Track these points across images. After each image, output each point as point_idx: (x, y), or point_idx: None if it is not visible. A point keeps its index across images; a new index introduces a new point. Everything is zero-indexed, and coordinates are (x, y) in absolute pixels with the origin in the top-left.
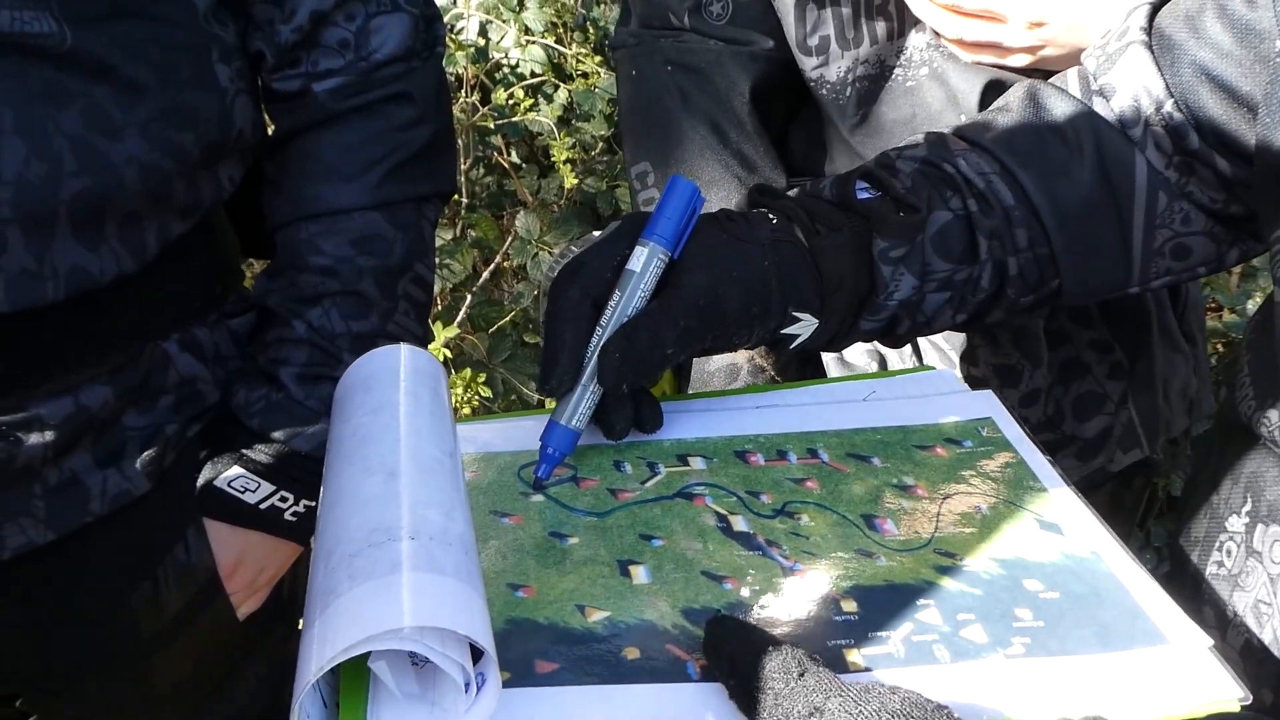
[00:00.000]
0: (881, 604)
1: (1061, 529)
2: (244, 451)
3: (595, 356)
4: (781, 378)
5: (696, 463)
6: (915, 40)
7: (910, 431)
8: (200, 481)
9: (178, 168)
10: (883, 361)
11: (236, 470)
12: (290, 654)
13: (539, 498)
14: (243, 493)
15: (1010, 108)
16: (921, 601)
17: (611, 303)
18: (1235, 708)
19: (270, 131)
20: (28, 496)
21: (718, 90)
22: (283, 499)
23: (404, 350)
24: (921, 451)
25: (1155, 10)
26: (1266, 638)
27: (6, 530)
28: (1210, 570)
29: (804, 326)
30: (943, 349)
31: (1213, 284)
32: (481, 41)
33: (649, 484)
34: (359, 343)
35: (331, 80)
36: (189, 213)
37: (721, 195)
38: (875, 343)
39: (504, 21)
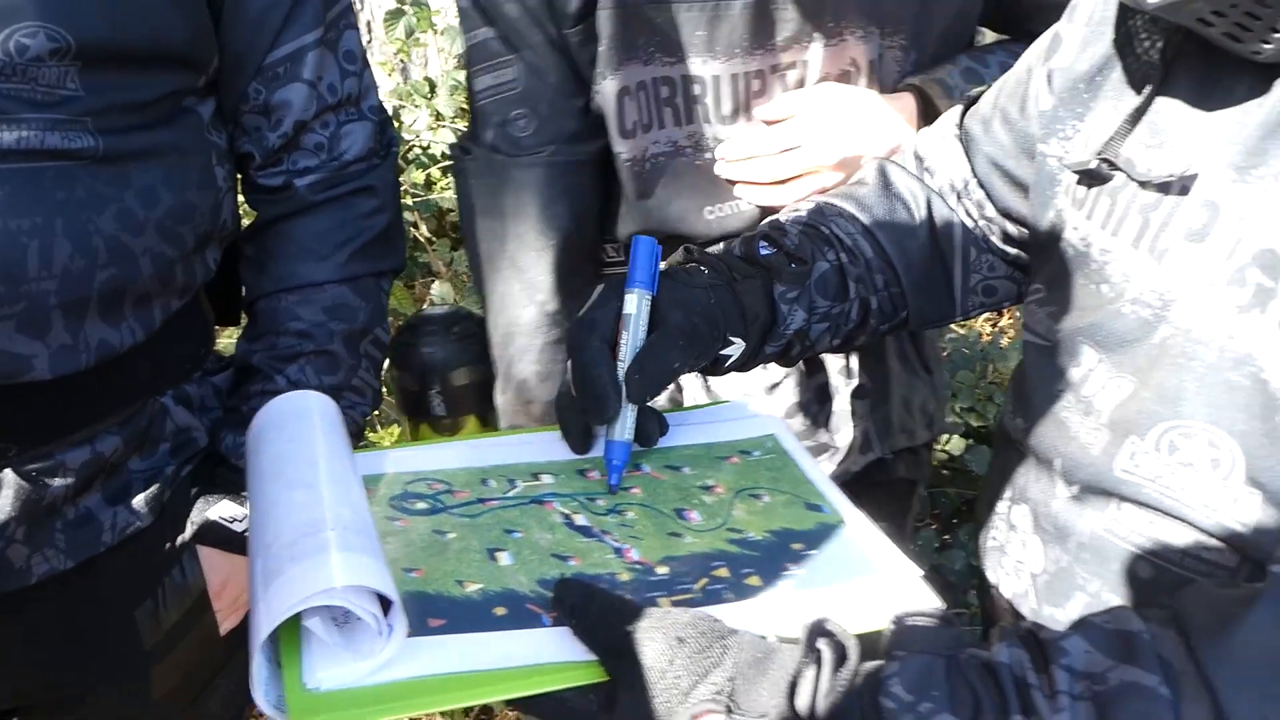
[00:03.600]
0: (686, 567)
1: (822, 508)
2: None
3: (623, 382)
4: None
5: (546, 478)
6: (705, 129)
7: (713, 447)
8: (196, 516)
9: (179, 255)
10: (709, 391)
11: (226, 504)
12: None
13: (423, 505)
14: (231, 523)
15: (866, 181)
16: (715, 564)
17: (621, 341)
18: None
19: (250, 220)
20: (51, 531)
21: (504, 208)
22: None
23: (306, 395)
24: (721, 461)
25: (965, 110)
26: (1023, 587)
27: (34, 560)
28: (988, 545)
29: (735, 349)
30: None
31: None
32: (397, 124)
33: (510, 494)
34: (330, 393)
35: (309, 176)
36: (185, 291)
37: (508, 310)
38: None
39: (416, 106)
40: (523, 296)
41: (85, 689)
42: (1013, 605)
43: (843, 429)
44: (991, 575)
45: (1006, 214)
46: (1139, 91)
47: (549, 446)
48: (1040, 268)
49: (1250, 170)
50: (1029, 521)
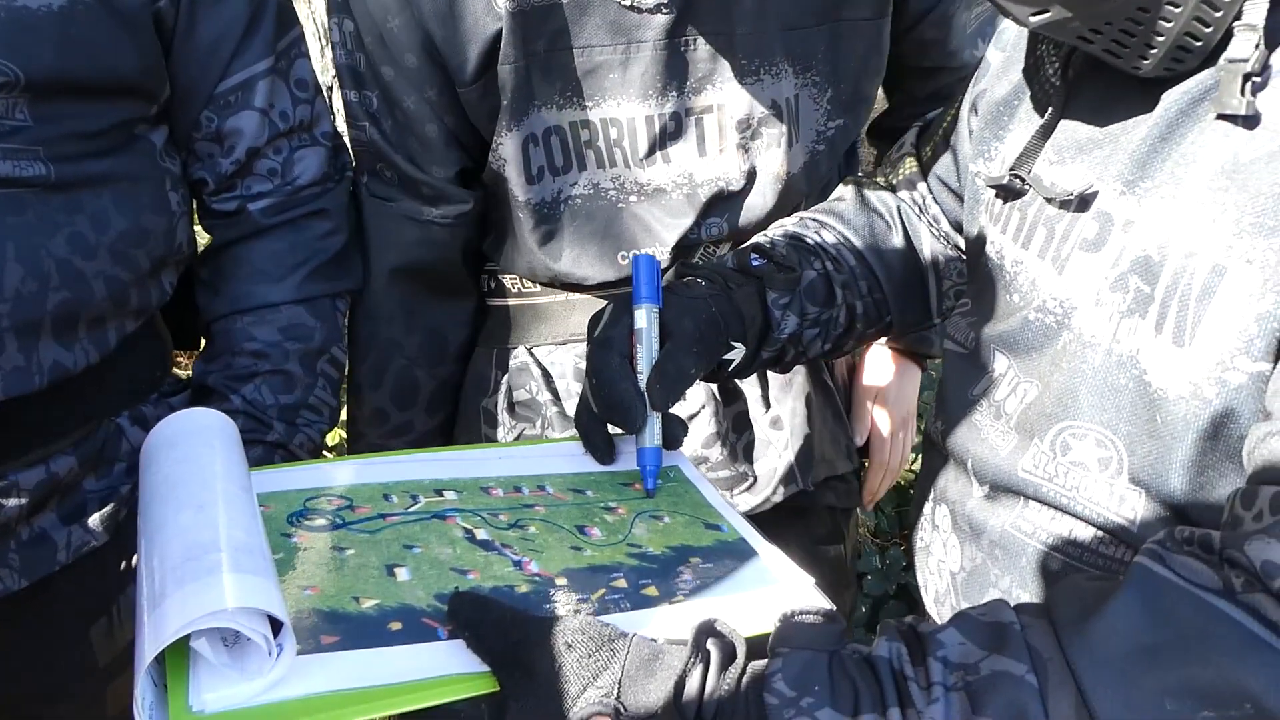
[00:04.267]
0: (584, 579)
1: (721, 527)
2: None
3: (645, 391)
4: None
5: (449, 494)
6: (626, 173)
7: (616, 474)
8: None
9: (133, 278)
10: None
11: None
12: None
13: (322, 521)
14: None
15: (844, 198)
16: (613, 575)
17: (637, 354)
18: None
19: (204, 244)
20: (4, 551)
21: (367, 240)
22: None
23: (201, 412)
24: (624, 487)
25: (920, 132)
26: (945, 585)
27: None
28: (917, 546)
29: (737, 353)
30: None
31: None
32: None
33: (411, 509)
34: (285, 412)
35: (263, 201)
36: (140, 314)
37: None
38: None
39: None
40: (362, 311)
41: (41, 706)
42: (936, 604)
43: (762, 459)
44: (920, 576)
45: (957, 228)
46: (1043, 113)
47: (451, 464)
48: (971, 280)
49: (1137, 184)
50: (949, 521)
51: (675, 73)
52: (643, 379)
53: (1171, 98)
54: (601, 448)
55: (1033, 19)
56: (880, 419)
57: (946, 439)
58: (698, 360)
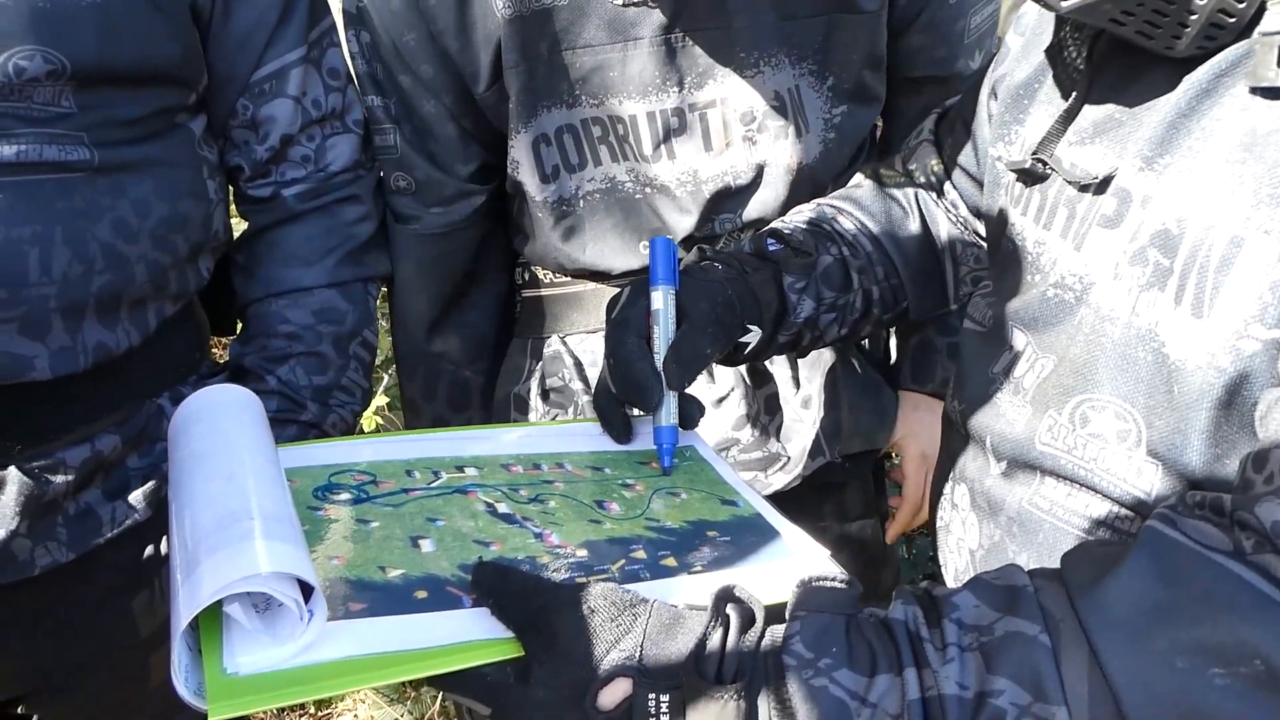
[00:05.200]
0: (604, 551)
1: (737, 503)
2: None
3: (662, 370)
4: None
5: (470, 471)
6: (640, 166)
7: (633, 453)
8: None
9: (173, 263)
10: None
11: None
12: None
13: (346, 495)
14: None
15: (862, 184)
16: (633, 547)
17: (654, 335)
18: None
19: (242, 230)
20: (52, 525)
21: (396, 264)
22: None
23: (228, 388)
24: (641, 465)
25: (939, 118)
26: (964, 563)
27: (37, 552)
28: (938, 525)
29: (753, 336)
30: None
31: None
32: None
33: (434, 485)
34: (319, 393)
35: (296, 187)
36: (179, 297)
37: (396, 340)
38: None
39: None
40: (401, 333)
41: (84, 676)
42: (956, 582)
43: (794, 438)
44: (941, 555)
45: (975, 213)
46: (1066, 96)
47: (472, 442)
48: (991, 263)
49: (1155, 160)
50: (968, 499)
51: (674, 68)
52: (659, 359)
53: (1193, 77)
54: (619, 427)
55: (1064, 3)
56: (914, 457)
57: (965, 418)
58: (714, 341)
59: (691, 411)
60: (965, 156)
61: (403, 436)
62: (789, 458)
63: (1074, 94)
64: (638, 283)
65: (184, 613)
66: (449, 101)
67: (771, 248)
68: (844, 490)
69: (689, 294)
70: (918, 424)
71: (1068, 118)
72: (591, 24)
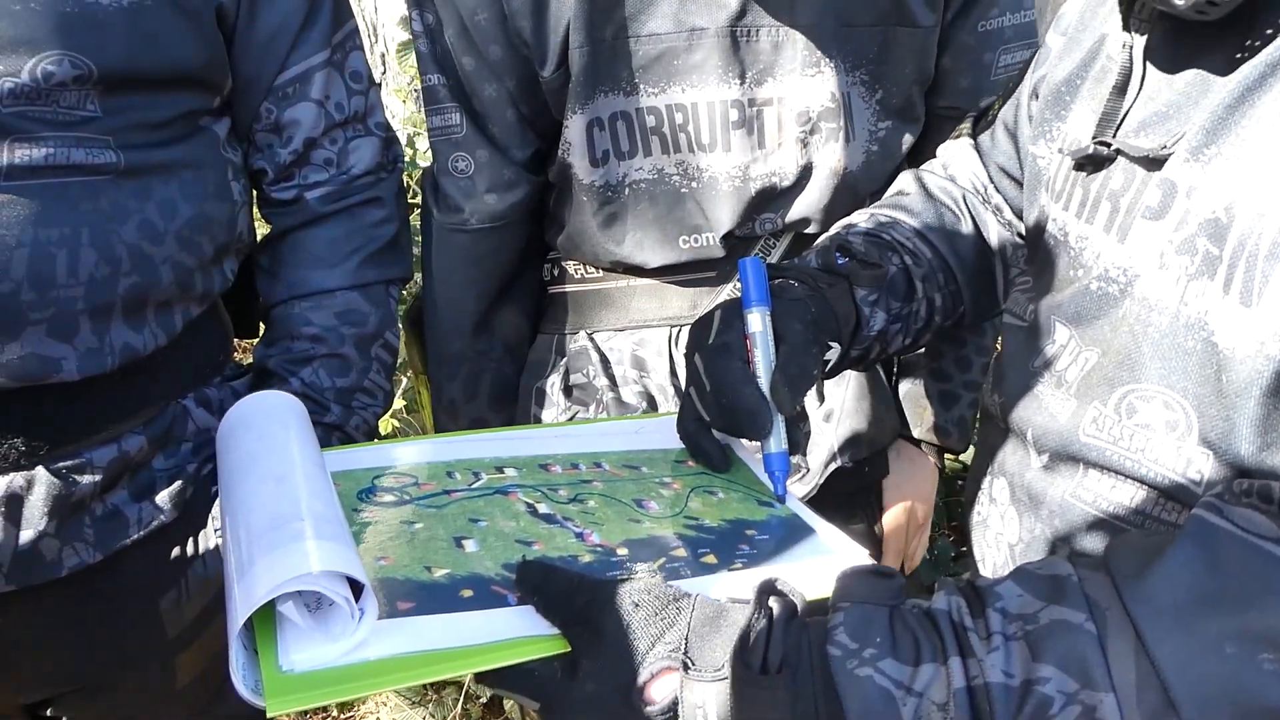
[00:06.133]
0: (644, 549)
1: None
2: None
3: (769, 395)
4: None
5: (510, 472)
6: (690, 159)
7: (669, 451)
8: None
9: (198, 264)
10: (652, 403)
11: None
12: None
13: (390, 498)
14: None
15: (908, 191)
16: (673, 545)
17: (755, 358)
18: None
19: (265, 232)
20: (79, 525)
21: (438, 261)
22: None
23: (275, 394)
24: (678, 464)
25: (976, 122)
26: (1003, 558)
27: (64, 553)
28: (974, 521)
29: (834, 353)
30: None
31: None
32: (410, 150)
33: (475, 486)
34: (342, 395)
35: (319, 189)
36: (204, 299)
37: (436, 340)
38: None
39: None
40: (440, 335)
41: (113, 677)
42: (993, 576)
43: (814, 451)
44: (977, 550)
45: (1017, 213)
46: (1121, 87)
47: (510, 443)
48: (1030, 260)
49: (1202, 150)
50: (1007, 494)
51: (737, 60)
52: (763, 383)
53: (1246, 68)
54: (716, 455)
55: None
56: (899, 508)
57: (1005, 412)
58: (816, 360)
59: (796, 436)
60: (1007, 158)
61: (442, 439)
62: (808, 469)
63: (1128, 82)
64: (728, 305)
65: (240, 612)
66: (511, 85)
67: (840, 261)
68: (860, 496)
69: (782, 314)
70: (900, 474)
71: (1119, 93)
72: (659, 12)
